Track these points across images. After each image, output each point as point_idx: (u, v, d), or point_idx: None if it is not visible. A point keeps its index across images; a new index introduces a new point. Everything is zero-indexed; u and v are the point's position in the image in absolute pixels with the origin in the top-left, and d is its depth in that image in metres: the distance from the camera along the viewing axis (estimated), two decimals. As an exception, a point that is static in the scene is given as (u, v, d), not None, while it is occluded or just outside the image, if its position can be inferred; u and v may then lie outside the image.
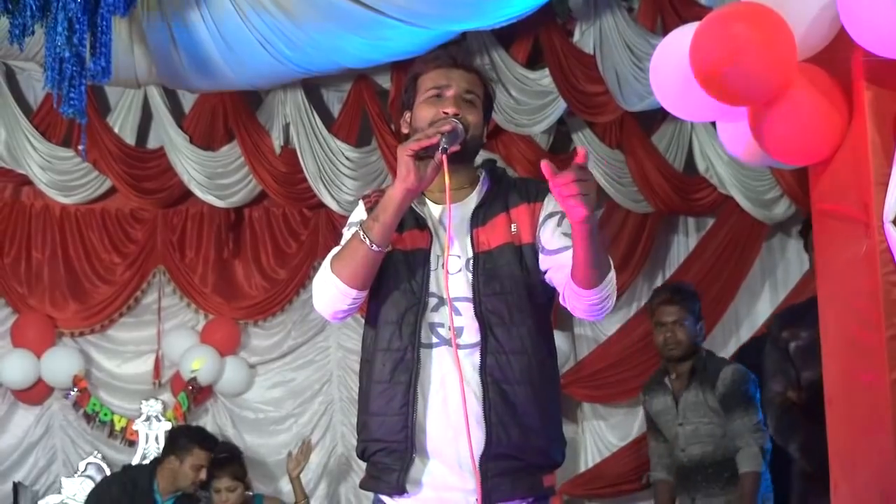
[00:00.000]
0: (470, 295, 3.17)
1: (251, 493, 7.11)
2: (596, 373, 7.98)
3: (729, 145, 4.28)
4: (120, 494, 6.57)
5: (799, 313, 4.93)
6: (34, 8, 5.55)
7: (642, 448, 7.70)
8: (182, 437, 6.92)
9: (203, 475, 6.66)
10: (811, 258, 4.95)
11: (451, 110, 3.24)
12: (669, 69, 4.02)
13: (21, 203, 8.13)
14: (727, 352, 7.67)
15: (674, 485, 6.04)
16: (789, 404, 4.86)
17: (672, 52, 4.01)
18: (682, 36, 3.94)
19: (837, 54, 3.72)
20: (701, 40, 3.71)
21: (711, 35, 3.69)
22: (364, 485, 3.30)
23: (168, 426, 7.69)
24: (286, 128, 7.82)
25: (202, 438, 6.91)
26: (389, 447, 3.16)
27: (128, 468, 7.25)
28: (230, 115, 7.87)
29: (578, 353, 8.25)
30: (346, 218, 3.60)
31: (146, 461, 7.42)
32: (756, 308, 7.85)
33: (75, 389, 7.86)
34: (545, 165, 2.94)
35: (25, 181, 7.96)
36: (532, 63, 7.41)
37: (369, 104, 7.87)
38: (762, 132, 3.85)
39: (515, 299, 3.18)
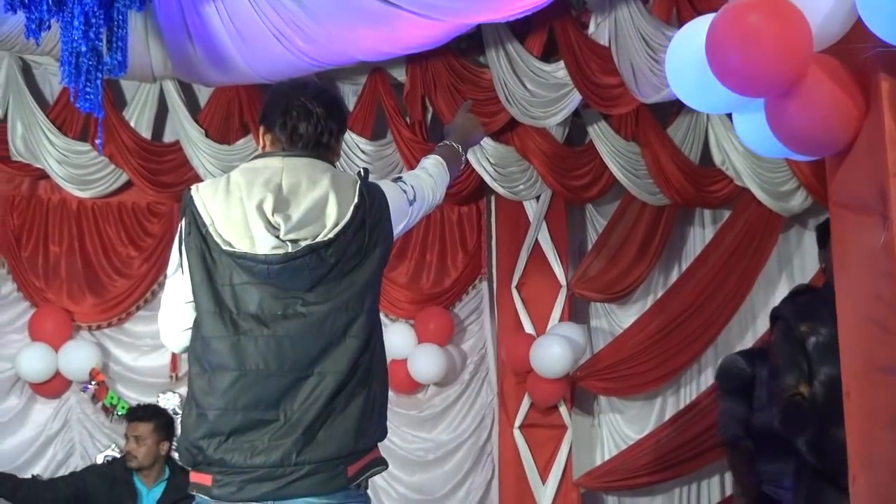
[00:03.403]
0: None
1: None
2: (612, 366, 7.98)
3: (745, 137, 4.27)
4: (99, 482, 6.53)
5: (813, 306, 4.90)
6: (50, 2, 5.56)
7: (660, 441, 7.72)
8: None
9: (130, 445, 6.52)
10: (824, 259, 4.93)
11: None
12: (685, 61, 4.01)
13: (38, 197, 8.17)
14: (744, 345, 7.66)
15: None
16: (799, 398, 4.83)
17: (688, 44, 4.00)
18: (698, 27, 3.93)
19: (854, 45, 3.71)
20: (717, 31, 3.70)
21: (728, 26, 3.67)
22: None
23: (182, 420, 7.72)
24: (300, 121, 7.82)
25: (130, 410, 6.92)
26: None
27: (110, 461, 7.25)
28: (245, 109, 7.89)
29: (594, 346, 8.26)
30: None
31: None
32: (773, 300, 7.81)
33: (93, 383, 7.89)
34: None
35: (42, 175, 7.99)
36: (547, 55, 7.39)
37: (384, 97, 7.87)
38: (778, 124, 3.84)
39: None
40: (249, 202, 3.21)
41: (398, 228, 3.43)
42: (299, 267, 3.18)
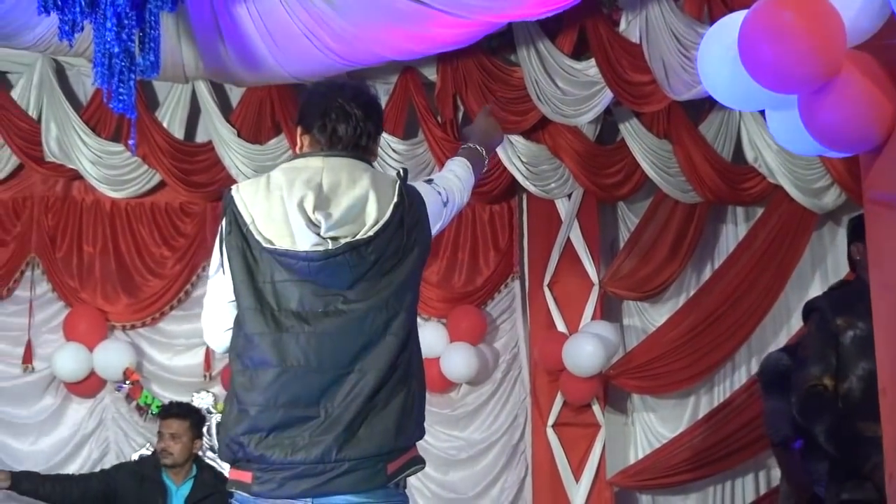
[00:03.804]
0: None
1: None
2: (645, 364, 7.96)
3: (778, 134, 4.25)
4: (129, 479, 6.56)
5: (849, 300, 4.87)
6: (83, 4, 5.58)
7: (694, 439, 7.70)
8: None
9: (165, 443, 6.55)
10: (857, 252, 4.90)
11: None
12: (717, 58, 4.00)
13: (72, 198, 8.22)
14: (778, 343, 7.63)
15: None
16: (821, 388, 4.81)
17: (720, 41, 3.99)
18: (730, 24, 3.92)
19: (888, 41, 3.69)
20: (750, 28, 3.68)
21: (760, 23, 3.66)
22: None
23: (219, 418, 7.74)
24: (333, 121, 7.85)
25: (162, 407, 6.93)
26: None
27: (139, 459, 7.26)
28: (277, 109, 7.91)
29: (627, 345, 8.24)
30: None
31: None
32: (806, 297, 7.73)
33: (127, 382, 7.93)
34: None
35: (76, 176, 8.04)
36: (578, 53, 7.38)
37: (415, 96, 7.88)
38: (812, 121, 3.82)
39: None
40: (290, 200, 3.23)
41: (434, 230, 3.44)
42: (339, 264, 3.19)
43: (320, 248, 3.18)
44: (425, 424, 3.35)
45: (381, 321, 3.23)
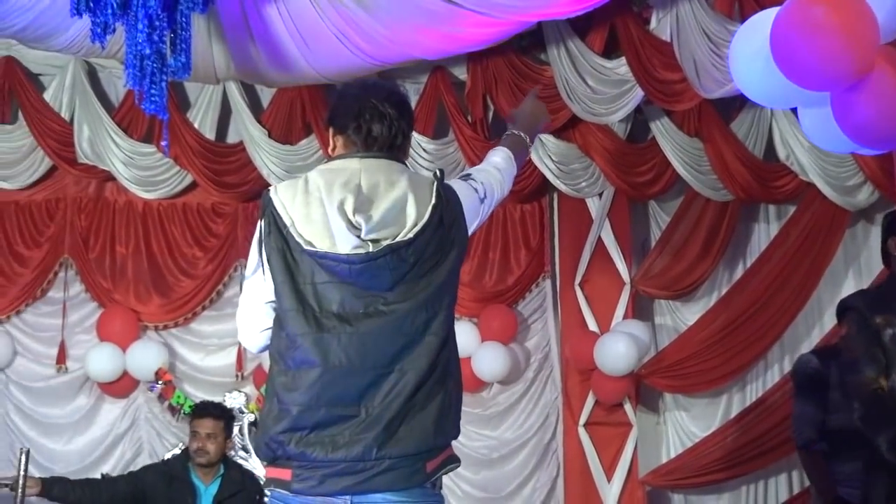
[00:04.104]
0: None
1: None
2: (676, 363, 7.94)
3: (810, 132, 4.24)
4: (157, 480, 6.58)
5: (885, 297, 4.84)
6: (115, 6, 5.60)
7: (726, 438, 7.67)
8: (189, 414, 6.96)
9: (202, 443, 6.57)
10: (892, 249, 4.87)
11: None
12: (749, 56, 3.99)
13: (105, 199, 8.27)
14: (811, 341, 7.60)
15: None
16: (881, 393, 4.77)
17: (752, 38, 3.98)
18: (762, 21, 3.91)
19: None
20: (782, 25, 3.67)
21: (793, 19, 3.65)
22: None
23: (251, 418, 7.77)
24: (363, 121, 7.86)
25: (196, 407, 6.93)
26: None
27: (166, 459, 7.31)
28: (308, 109, 7.93)
29: (659, 344, 8.21)
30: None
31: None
32: (840, 296, 7.70)
33: (160, 382, 7.97)
34: None
35: (109, 177, 8.08)
36: (608, 52, 7.37)
37: (445, 96, 7.88)
38: (845, 118, 3.81)
39: None
40: (330, 203, 3.25)
41: (472, 227, 3.46)
42: (380, 267, 3.21)
43: (361, 251, 3.21)
44: None
45: (421, 321, 3.25)
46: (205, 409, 6.72)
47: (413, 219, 3.24)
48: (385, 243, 3.21)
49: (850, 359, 4.90)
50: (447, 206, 3.30)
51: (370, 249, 3.20)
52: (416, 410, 3.22)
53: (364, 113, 3.39)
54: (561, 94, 7.40)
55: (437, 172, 3.38)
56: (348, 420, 3.21)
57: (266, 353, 3.46)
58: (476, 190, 3.49)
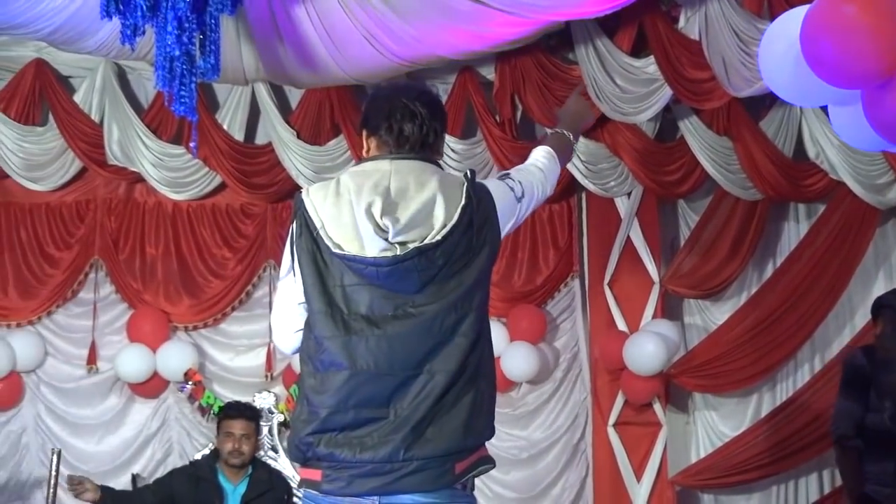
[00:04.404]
0: None
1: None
2: (706, 362, 7.92)
3: (841, 130, 4.22)
4: (185, 483, 6.60)
5: None
6: (144, 8, 5.64)
7: (756, 438, 7.64)
8: (217, 417, 6.99)
9: (237, 443, 6.59)
10: None
11: None
12: (779, 54, 3.98)
13: (134, 200, 8.31)
14: (841, 341, 7.57)
15: None
16: None
17: (781, 37, 3.97)
18: (792, 19, 3.90)
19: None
20: (812, 23, 3.66)
21: (823, 17, 3.64)
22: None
23: (281, 418, 7.79)
24: (391, 121, 7.88)
25: (228, 407, 6.95)
26: None
27: (193, 461, 7.34)
28: (336, 110, 7.94)
29: (688, 343, 8.19)
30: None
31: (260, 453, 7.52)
32: (870, 295, 7.70)
33: (190, 383, 8.00)
34: None
35: (138, 179, 8.12)
36: (637, 51, 7.35)
37: (474, 95, 7.88)
38: (876, 115, 3.79)
39: None
40: (358, 205, 3.25)
41: (507, 226, 3.46)
42: (408, 269, 3.21)
43: (389, 254, 3.21)
44: None
45: (450, 323, 3.25)
46: (237, 410, 6.74)
47: (441, 220, 3.23)
48: (412, 246, 3.21)
49: (884, 358, 4.88)
50: (478, 207, 3.29)
51: (397, 252, 3.20)
52: (445, 412, 3.23)
53: (395, 113, 3.39)
54: (589, 94, 7.38)
55: (468, 173, 3.37)
56: (377, 422, 3.22)
57: (287, 354, 3.49)
58: (512, 189, 3.49)
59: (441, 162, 3.48)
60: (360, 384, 3.23)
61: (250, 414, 6.70)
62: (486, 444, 3.36)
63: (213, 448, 7.02)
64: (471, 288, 3.28)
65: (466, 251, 3.27)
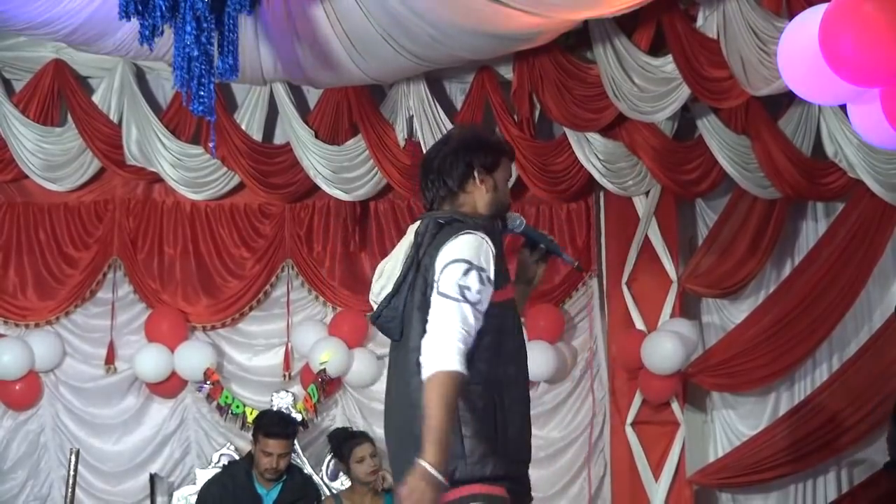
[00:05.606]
0: None
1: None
2: (724, 361, 7.92)
3: (860, 128, 4.22)
4: (221, 493, 6.64)
5: None
6: (163, 8, 5.64)
7: (774, 437, 7.63)
8: (255, 425, 7.07)
9: (274, 462, 6.64)
10: None
11: None
12: (797, 52, 3.98)
13: (153, 200, 8.31)
14: (859, 340, 7.55)
15: None
16: None
17: (800, 36, 3.97)
18: (810, 18, 3.90)
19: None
20: (831, 22, 3.66)
21: (842, 17, 3.64)
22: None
23: (299, 418, 7.80)
24: (410, 120, 7.89)
25: (267, 425, 7.05)
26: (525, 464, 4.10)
27: (227, 465, 7.35)
28: (354, 110, 7.94)
29: (706, 342, 8.19)
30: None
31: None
32: (889, 294, 7.71)
33: (208, 382, 8.01)
34: None
35: (156, 179, 8.13)
36: (655, 50, 7.35)
37: (492, 95, 7.88)
38: (894, 113, 3.78)
39: None
40: None
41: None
42: None
43: None
44: None
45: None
46: (278, 430, 6.83)
47: None
48: None
49: None
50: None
51: None
52: None
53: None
54: (607, 93, 7.38)
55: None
56: None
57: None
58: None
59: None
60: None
61: (291, 431, 6.76)
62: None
63: (249, 453, 7.12)
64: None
65: None
